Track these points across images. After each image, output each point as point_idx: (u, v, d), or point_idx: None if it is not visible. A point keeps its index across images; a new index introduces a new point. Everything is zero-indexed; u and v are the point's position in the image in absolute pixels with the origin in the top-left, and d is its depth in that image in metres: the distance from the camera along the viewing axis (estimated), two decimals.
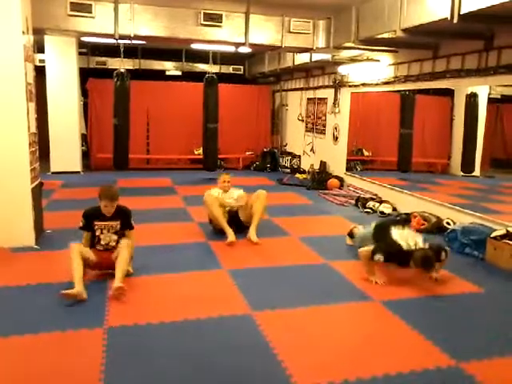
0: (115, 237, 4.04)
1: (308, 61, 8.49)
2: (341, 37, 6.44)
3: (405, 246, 4.09)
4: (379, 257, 4.05)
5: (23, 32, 4.65)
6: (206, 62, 10.24)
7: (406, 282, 4.17)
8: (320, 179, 8.93)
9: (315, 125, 10.20)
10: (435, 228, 5.76)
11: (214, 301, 3.71)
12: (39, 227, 5.13)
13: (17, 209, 4.79)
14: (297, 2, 6.18)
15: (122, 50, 8.41)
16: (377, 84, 7.68)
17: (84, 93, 10.50)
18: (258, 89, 12.05)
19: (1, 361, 2.81)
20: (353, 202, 7.48)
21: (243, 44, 6.61)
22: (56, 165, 9.38)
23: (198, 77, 10.32)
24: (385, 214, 6.69)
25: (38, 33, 6.25)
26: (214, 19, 6.35)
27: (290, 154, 11.27)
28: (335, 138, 9.17)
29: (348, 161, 8.90)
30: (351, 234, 5.23)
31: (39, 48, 9.22)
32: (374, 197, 7.41)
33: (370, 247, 4.22)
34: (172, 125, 10.82)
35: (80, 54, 10.03)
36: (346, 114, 8.75)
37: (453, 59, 5.99)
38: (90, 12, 6.02)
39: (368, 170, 9.11)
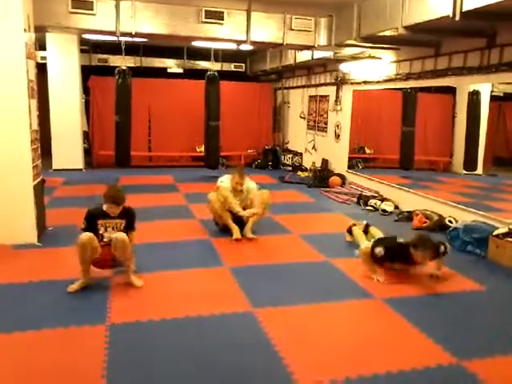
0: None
1: (310, 58, 8.48)
2: (342, 34, 6.43)
3: (403, 241, 4.13)
4: (379, 250, 4.07)
5: (25, 30, 4.66)
6: (208, 59, 10.24)
7: (407, 280, 4.17)
8: (322, 177, 8.93)
9: (317, 122, 10.19)
10: (437, 226, 5.75)
11: (216, 298, 3.72)
12: (41, 224, 5.14)
13: (19, 206, 4.80)
14: (298, 0, 6.17)
15: (123, 47, 8.40)
16: (378, 82, 7.67)
17: (86, 90, 10.50)
18: (259, 86, 12.04)
19: (4, 357, 2.82)
20: (354, 199, 7.48)
21: (245, 41, 6.61)
22: (58, 162, 9.39)
23: (199, 74, 10.31)
24: (387, 212, 6.69)
25: (40, 30, 6.25)
26: (215, 17, 6.35)
27: (291, 151, 11.27)
28: (337, 136, 9.16)
29: (350, 159, 8.89)
30: (350, 231, 5.24)
31: (41, 45, 9.20)
32: (376, 195, 7.40)
33: (369, 244, 4.23)
34: (174, 122, 10.82)
35: (81, 51, 10.05)
36: (348, 112, 8.74)
37: (455, 57, 5.97)
38: (92, 9, 6.02)
39: (370, 167, 9.11)
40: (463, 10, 4.19)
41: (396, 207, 6.85)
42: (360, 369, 2.75)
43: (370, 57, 7.64)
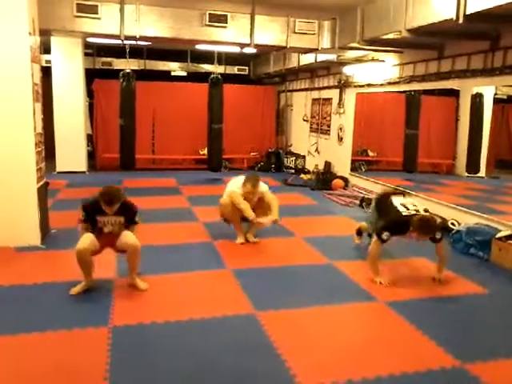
0: (118, 229, 3.86)
1: (313, 61, 8.51)
2: (346, 37, 6.45)
3: (404, 212, 4.12)
4: (385, 234, 4.06)
5: (30, 33, 4.68)
6: (211, 62, 10.25)
7: (410, 283, 4.17)
8: (325, 180, 8.93)
9: (320, 125, 10.20)
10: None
11: (219, 300, 3.73)
12: (45, 227, 5.16)
13: (23, 208, 4.82)
14: (302, 3, 6.19)
15: (127, 50, 8.44)
16: (382, 84, 7.67)
17: (90, 93, 10.55)
18: (263, 89, 12.05)
19: (8, 358, 2.84)
20: (357, 202, 7.47)
21: (248, 45, 6.63)
22: (61, 165, 9.42)
23: (203, 77, 10.35)
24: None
25: (45, 34, 6.29)
26: (219, 20, 6.38)
27: (294, 154, 11.27)
28: (340, 139, 9.16)
29: (353, 161, 8.89)
30: (360, 232, 5.22)
31: (45, 49, 9.27)
32: None
33: (375, 237, 4.20)
34: (177, 125, 10.84)
35: (86, 54, 10.08)
36: (351, 115, 8.74)
37: (458, 59, 5.98)
38: (96, 13, 6.06)
39: (373, 170, 9.10)
40: (467, 13, 4.20)
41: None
42: (363, 371, 2.75)
43: (373, 60, 7.65)
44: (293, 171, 10.72)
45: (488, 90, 7.02)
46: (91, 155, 10.49)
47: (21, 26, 4.59)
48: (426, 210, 4.22)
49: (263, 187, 5.26)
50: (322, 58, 8.15)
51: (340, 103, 9.07)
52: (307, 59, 8.79)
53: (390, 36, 5.46)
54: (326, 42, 6.83)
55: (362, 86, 8.31)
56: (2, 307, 3.51)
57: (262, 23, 6.57)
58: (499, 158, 7.92)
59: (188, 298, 3.75)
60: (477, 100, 7.31)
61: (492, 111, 7.27)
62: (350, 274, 4.36)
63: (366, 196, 7.53)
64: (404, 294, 3.93)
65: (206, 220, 6.08)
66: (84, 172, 9.70)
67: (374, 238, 4.21)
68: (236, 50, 7.68)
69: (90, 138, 10.69)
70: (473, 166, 7.55)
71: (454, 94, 7.68)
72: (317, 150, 10.29)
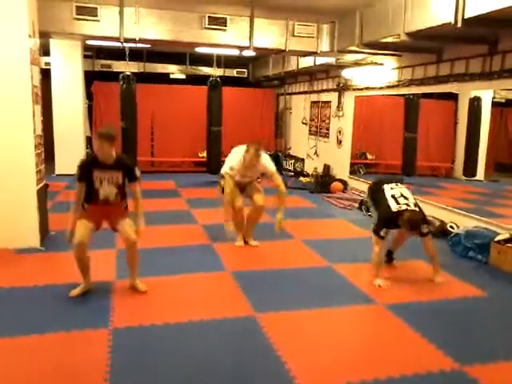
0: (115, 190, 3.74)
1: (312, 64, 8.53)
2: (345, 41, 6.47)
3: (394, 208, 4.17)
4: (382, 231, 4.19)
5: (29, 35, 4.70)
6: (210, 65, 10.28)
7: (409, 286, 4.18)
8: (324, 182, 8.94)
9: (319, 128, 10.21)
10: (439, 232, 5.75)
11: (218, 302, 3.73)
12: (44, 229, 5.16)
13: (22, 210, 4.82)
14: (301, 6, 6.20)
15: (127, 53, 8.47)
16: (381, 88, 7.70)
17: (89, 95, 10.55)
18: (262, 92, 12.08)
19: (8, 360, 2.84)
20: (356, 205, 7.48)
21: (247, 47, 6.64)
22: (61, 167, 9.41)
23: (202, 80, 10.36)
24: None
25: (44, 36, 6.30)
26: (218, 23, 6.39)
27: (293, 157, 11.29)
28: (339, 142, 9.18)
29: (352, 164, 8.91)
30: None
31: (45, 51, 9.28)
32: None
33: (376, 244, 4.24)
34: (176, 128, 10.85)
35: (85, 56, 10.09)
36: (350, 118, 8.76)
37: (457, 63, 6.00)
38: (96, 16, 6.07)
39: (372, 173, 9.11)
40: (465, 17, 4.22)
41: None
42: (362, 374, 2.76)
43: (372, 63, 7.67)
44: (292, 174, 10.73)
45: (486, 94, 7.05)
46: None
47: (21, 29, 4.60)
48: (415, 204, 4.26)
49: (267, 161, 5.09)
50: (320, 61, 8.17)
51: (339, 106, 9.09)
52: (306, 62, 8.81)
53: (389, 39, 5.48)
54: (324, 46, 6.84)
55: (361, 90, 8.34)
56: (1, 309, 3.50)
57: (261, 26, 6.59)
58: (498, 162, 7.96)
59: (187, 300, 3.75)
60: (474, 104, 7.35)
61: (491, 115, 7.30)
62: (349, 276, 4.37)
63: (365, 199, 7.54)
64: (403, 297, 3.94)
65: (205, 222, 6.09)
66: None
67: (373, 236, 4.27)
68: (235, 52, 7.69)
69: (90, 140, 10.68)
70: (469, 169, 7.58)
71: (453, 97, 7.71)
72: (316, 152, 10.31)
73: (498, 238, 4.83)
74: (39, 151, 5.06)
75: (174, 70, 12.05)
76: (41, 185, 5.11)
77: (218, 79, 9.31)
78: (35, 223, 4.88)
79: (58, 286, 3.90)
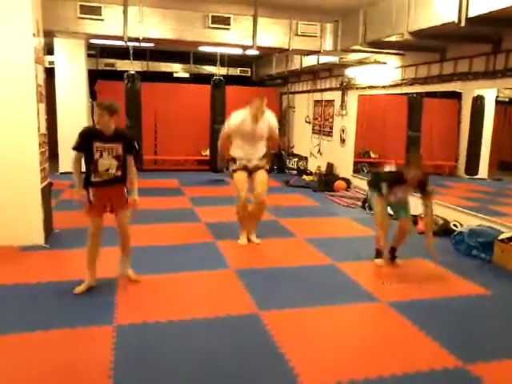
0: (115, 162, 3.78)
1: (315, 63, 8.52)
2: (348, 39, 6.47)
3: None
4: (383, 187, 4.38)
5: (34, 34, 4.72)
6: (214, 64, 10.30)
7: (412, 284, 4.19)
8: (327, 181, 8.94)
9: (322, 127, 10.22)
10: (442, 230, 5.75)
11: (222, 300, 3.74)
12: (48, 226, 5.19)
13: (27, 208, 4.85)
14: (304, 5, 6.21)
15: (131, 52, 8.49)
16: (384, 86, 7.69)
17: (92, 94, 10.57)
18: (265, 91, 12.05)
19: (12, 357, 2.85)
20: (359, 203, 7.48)
21: (251, 47, 6.64)
22: (65, 165, 9.41)
23: (205, 79, 10.38)
24: (391, 216, 6.67)
25: (48, 35, 6.32)
26: (222, 22, 6.40)
27: (296, 155, 11.29)
28: (342, 140, 9.18)
29: (355, 163, 8.91)
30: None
31: (49, 50, 9.30)
32: None
33: (378, 202, 4.50)
34: (179, 126, 10.86)
35: (89, 55, 10.12)
36: (353, 117, 8.76)
37: (460, 62, 5.99)
38: (100, 14, 6.09)
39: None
40: (468, 16, 4.22)
41: None
42: (365, 371, 2.77)
43: (375, 62, 7.67)
44: (295, 172, 10.73)
45: (489, 93, 7.03)
46: None
47: (25, 28, 4.63)
48: None
49: (271, 115, 5.30)
50: (324, 60, 8.17)
51: (342, 105, 9.09)
52: (309, 61, 8.81)
53: (393, 38, 5.48)
54: (328, 45, 6.85)
55: (364, 88, 8.33)
56: (5, 306, 3.53)
57: (264, 25, 6.59)
58: (502, 160, 7.94)
59: (191, 298, 3.76)
60: (477, 102, 7.33)
61: (494, 113, 7.29)
62: (352, 274, 4.38)
63: (368, 196, 7.55)
64: (406, 295, 3.95)
65: (208, 220, 6.10)
66: None
67: (375, 195, 4.45)
68: (238, 51, 7.70)
69: None
70: (471, 168, 7.57)
71: (457, 96, 7.69)
72: (319, 151, 10.31)
73: (502, 236, 4.83)
74: (43, 150, 5.08)
75: (178, 69, 12.07)
76: (45, 183, 5.13)
77: (222, 78, 9.33)
78: (39, 221, 4.91)
79: (62, 283, 3.92)
